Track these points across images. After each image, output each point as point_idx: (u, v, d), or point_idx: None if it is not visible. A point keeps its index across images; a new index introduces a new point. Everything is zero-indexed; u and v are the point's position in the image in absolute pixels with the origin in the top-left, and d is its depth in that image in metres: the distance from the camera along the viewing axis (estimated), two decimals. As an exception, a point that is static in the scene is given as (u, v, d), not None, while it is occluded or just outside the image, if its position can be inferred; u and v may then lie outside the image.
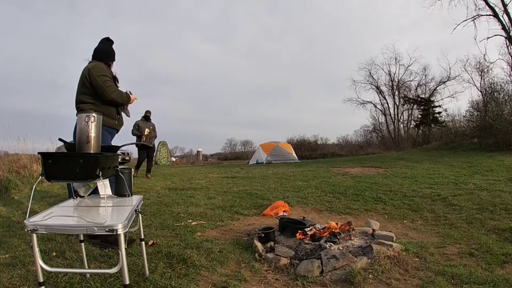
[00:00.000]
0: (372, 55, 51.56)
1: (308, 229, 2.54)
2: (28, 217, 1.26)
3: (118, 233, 1.23)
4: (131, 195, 1.85)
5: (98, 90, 2.56)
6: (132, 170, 1.94)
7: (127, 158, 1.90)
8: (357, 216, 3.60)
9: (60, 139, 1.64)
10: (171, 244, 2.53)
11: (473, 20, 15.42)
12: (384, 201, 4.20)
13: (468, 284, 1.81)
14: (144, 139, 6.97)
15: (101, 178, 1.38)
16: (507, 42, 15.14)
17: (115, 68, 2.88)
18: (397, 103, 26.35)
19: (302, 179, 6.68)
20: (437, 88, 24.44)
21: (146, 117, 7.29)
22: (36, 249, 1.22)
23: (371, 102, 27.32)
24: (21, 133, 6.26)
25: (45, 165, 1.34)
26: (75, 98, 2.67)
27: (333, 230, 2.46)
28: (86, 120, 1.49)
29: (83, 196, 1.77)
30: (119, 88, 2.72)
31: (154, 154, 7.89)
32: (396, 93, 26.48)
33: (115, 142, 2.87)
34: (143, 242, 1.93)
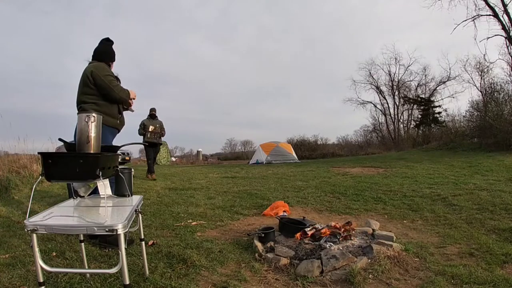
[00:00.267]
0: (372, 55, 51.56)
1: (308, 229, 2.54)
2: (28, 217, 1.26)
3: (118, 233, 1.23)
4: (131, 195, 1.85)
5: (104, 90, 2.58)
6: (133, 170, 1.94)
7: (127, 158, 1.89)
8: (357, 216, 3.60)
9: (60, 139, 1.64)
10: (171, 244, 2.53)
11: (473, 20, 15.42)
12: (384, 201, 4.20)
13: (468, 284, 1.81)
14: (149, 135, 6.80)
15: (101, 178, 1.38)
16: (507, 42, 15.13)
17: (115, 68, 2.88)
18: (397, 103, 26.36)
19: (302, 179, 6.68)
20: (437, 88, 24.45)
21: (152, 115, 7.08)
22: (36, 249, 1.22)
23: (371, 102, 27.34)
24: (21, 133, 6.26)
25: (45, 165, 1.34)
26: (76, 98, 2.67)
27: (333, 230, 2.46)
28: (86, 120, 1.49)
29: (83, 196, 1.77)
30: (126, 89, 2.77)
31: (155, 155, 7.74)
32: (396, 93, 26.48)
33: (116, 142, 2.88)
34: (143, 242, 1.93)
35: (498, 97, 12.14)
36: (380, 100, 27.02)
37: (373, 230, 2.66)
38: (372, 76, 26.77)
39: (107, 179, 1.69)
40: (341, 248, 2.23)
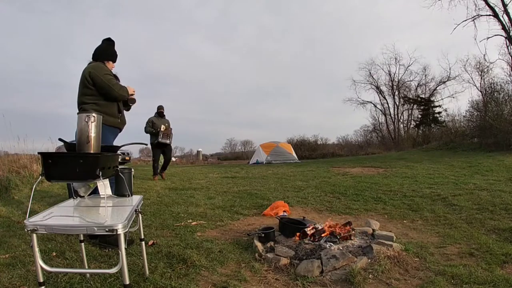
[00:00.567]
0: (372, 55, 51.54)
1: (308, 229, 2.54)
2: (28, 217, 1.26)
3: (118, 233, 1.23)
4: (131, 195, 1.85)
5: (104, 90, 2.59)
6: (133, 170, 1.94)
7: (127, 158, 1.89)
8: (357, 216, 3.60)
9: (60, 139, 1.64)
10: (171, 244, 2.53)
11: (473, 20, 15.41)
12: (384, 201, 4.20)
13: (468, 284, 1.81)
14: (161, 136, 6.49)
15: (101, 178, 1.38)
16: (507, 42, 15.13)
17: (116, 68, 2.88)
18: (397, 103, 26.35)
19: (302, 179, 6.68)
20: (437, 88, 24.44)
21: (160, 113, 6.82)
22: (36, 249, 1.22)
23: (371, 102, 27.33)
24: (21, 133, 6.26)
25: (45, 165, 1.34)
26: (77, 99, 2.68)
27: (333, 230, 2.46)
28: (86, 120, 1.49)
29: (83, 196, 1.77)
30: (124, 86, 2.77)
31: (173, 153, 7.62)
32: (396, 93, 26.47)
33: (117, 142, 2.87)
34: (143, 242, 1.93)
35: (498, 97, 12.14)
36: (380, 100, 27.03)
37: (373, 230, 2.66)
38: (372, 76, 26.78)
39: (107, 179, 1.69)
40: (341, 248, 2.23)
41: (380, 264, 2.04)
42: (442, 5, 24.17)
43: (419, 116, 23.84)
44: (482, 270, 1.97)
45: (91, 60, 2.76)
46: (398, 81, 26.31)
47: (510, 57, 15.75)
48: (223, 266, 2.16)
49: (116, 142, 2.83)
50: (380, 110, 27.17)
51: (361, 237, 2.51)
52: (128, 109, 3.01)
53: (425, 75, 25.28)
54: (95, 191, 1.91)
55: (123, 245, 1.26)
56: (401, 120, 26.36)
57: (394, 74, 26.38)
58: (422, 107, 23.64)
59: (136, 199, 1.80)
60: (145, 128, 6.66)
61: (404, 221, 3.29)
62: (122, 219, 1.28)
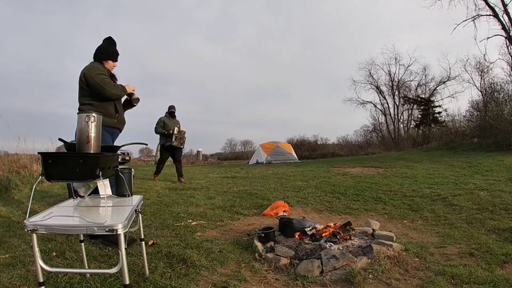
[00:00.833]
0: (372, 55, 51.51)
1: (308, 229, 2.54)
2: (28, 217, 1.26)
3: (118, 233, 1.23)
4: (131, 195, 1.85)
5: (96, 90, 2.56)
6: (133, 170, 1.94)
7: (127, 158, 1.89)
8: (357, 216, 3.60)
9: (60, 139, 1.64)
10: (171, 244, 2.53)
11: (473, 20, 15.41)
12: (384, 201, 4.20)
13: (468, 284, 1.81)
14: (174, 139, 6.09)
15: (101, 178, 1.38)
16: (507, 42, 15.13)
17: (116, 68, 2.87)
18: (397, 103, 26.35)
19: (302, 179, 6.68)
20: (437, 88, 24.45)
21: (171, 113, 6.45)
22: (36, 249, 1.22)
23: (371, 102, 27.33)
24: (21, 133, 6.26)
25: (45, 165, 1.34)
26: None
27: (333, 230, 2.46)
28: (86, 120, 1.49)
29: (83, 196, 1.77)
30: (120, 84, 2.74)
31: (181, 155, 6.91)
32: (396, 93, 26.47)
33: (117, 142, 2.87)
34: (143, 242, 1.93)
35: (498, 97, 12.14)
36: (380, 100, 27.04)
37: (373, 230, 2.66)
38: (372, 76, 26.78)
39: (107, 179, 1.69)
40: (341, 248, 2.23)
41: (380, 264, 2.04)
42: (442, 5, 24.27)
43: (419, 116, 23.84)
44: (482, 270, 1.97)
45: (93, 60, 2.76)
46: (398, 81, 26.33)
47: (510, 57, 15.76)
48: (223, 266, 2.16)
49: (116, 142, 2.82)
50: (380, 110, 27.19)
51: (361, 237, 2.51)
52: (128, 107, 2.99)
53: (425, 75, 25.31)
54: (95, 191, 1.91)
55: (123, 245, 1.26)
56: (401, 120, 26.38)
57: (394, 74, 26.41)
58: (422, 107, 23.64)
59: (136, 199, 1.80)
60: (156, 128, 6.32)
61: (404, 221, 3.29)
62: (122, 219, 1.28)
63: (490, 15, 14.91)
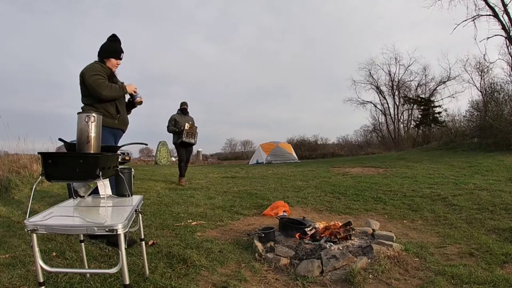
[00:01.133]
0: (372, 55, 51.51)
1: (308, 229, 2.54)
2: (28, 217, 1.26)
3: (118, 233, 1.23)
4: (131, 195, 1.85)
5: (92, 91, 2.52)
6: (133, 170, 1.94)
7: (127, 158, 1.89)
8: (357, 216, 3.60)
9: (60, 139, 1.64)
10: (171, 244, 2.53)
11: (473, 20, 15.42)
12: (384, 201, 4.20)
13: (468, 284, 1.81)
14: (186, 135, 5.88)
15: (101, 178, 1.38)
16: (507, 42, 15.14)
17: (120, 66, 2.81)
18: (397, 103, 26.34)
19: (302, 179, 6.68)
20: (437, 88, 24.44)
21: (183, 109, 6.22)
22: (36, 249, 1.22)
23: (371, 102, 27.31)
24: (21, 133, 6.26)
25: (45, 165, 1.34)
26: None
27: (333, 229, 2.46)
28: (86, 120, 1.49)
29: (83, 196, 1.76)
30: (115, 84, 2.66)
31: (191, 155, 6.60)
32: (396, 93, 26.46)
33: (120, 142, 2.85)
34: (143, 242, 1.93)
35: (498, 97, 12.13)
36: (380, 100, 27.02)
37: (373, 230, 2.66)
38: (372, 76, 26.76)
39: (107, 179, 1.69)
40: (341, 248, 2.23)
41: (380, 264, 2.04)
42: (442, 5, 24.24)
43: (419, 116, 23.83)
44: (482, 270, 1.97)
45: None
46: (398, 81, 26.31)
47: (510, 57, 15.77)
48: (223, 266, 2.16)
49: (117, 143, 2.81)
50: (380, 110, 27.18)
51: (361, 237, 2.51)
52: (131, 107, 2.95)
53: (425, 75, 25.29)
54: (95, 191, 1.91)
55: (123, 245, 1.26)
56: (401, 120, 26.37)
57: (394, 74, 26.40)
58: (422, 107, 23.63)
59: (136, 199, 1.80)
60: (168, 127, 6.11)
61: (404, 221, 3.29)
62: (122, 219, 1.28)
63: (490, 15, 14.91)
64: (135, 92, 2.84)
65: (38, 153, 1.44)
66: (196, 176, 7.75)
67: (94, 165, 1.38)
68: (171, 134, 6.22)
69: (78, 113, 1.52)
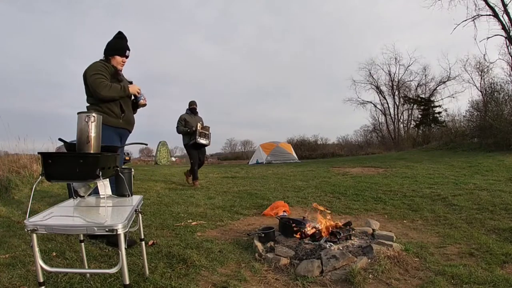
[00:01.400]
0: (372, 55, 51.59)
1: (308, 229, 2.54)
2: (28, 217, 1.26)
3: (118, 233, 1.23)
4: (131, 195, 1.85)
5: (92, 91, 2.49)
6: (133, 170, 1.94)
7: (127, 158, 1.90)
8: (357, 216, 3.60)
9: (60, 139, 1.64)
10: (171, 244, 2.53)
11: (473, 20, 15.44)
12: (384, 201, 4.20)
13: (468, 284, 1.81)
14: (198, 135, 5.58)
15: (101, 178, 1.38)
16: (507, 42, 15.16)
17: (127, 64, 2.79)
18: (397, 103, 26.37)
19: (302, 179, 6.68)
20: (437, 88, 24.48)
21: (192, 109, 5.92)
22: (36, 249, 1.22)
23: (371, 102, 27.35)
24: (21, 133, 6.26)
25: (45, 165, 1.34)
26: None
27: (333, 230, 2.46)
28: (86, 120, 1.49)
29: (83, 196, 1.76)
30: (119, 84, 2.61)
31: (205, 156, 6.37)
32: (396, 93, 26.49)
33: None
34: (143, 242, 1.93)
35: (498, 97, 12.14)
36: (380, 100, 27.06)
37: (373, 230, 2.66)
38: (372, 76, 26.81)
39: (107, 179, 1.69)
40: (341, 248, 2.23)
41: (380, 264, 2.04)
42: (442, 5, 24.32)
43: (419, 116, 23.85)
44: (482, 270, 1.97)
45: None
46: (398, 81, 26.34)
47: (510, 57, 15.79)
48: (223, 266, 2.16)
49: (123, 143, 2.79)
50: (380, 110, 27.21)
51: (361, 237, 2.51)
52: (136, 107, 2.92)
53: (425, 75, 25.33)
54: (95, 191, 1.91)
55: (123, 245, 1.26)
56: (401, 120, 26.40)
57: (394, 74, 26.43)
58: (422, 107, 23.65)
59: (136, 199, 1.80)
60: (177, 127, 5.79)
61: (404, 221, 3.29)
62: (122, 219, 1.28)
63: (490, 15, 14.93)
64: (138, 93, 2.79)
65: (38, 153, 1.44)
66: (196, 176, 7.73)
67: (94, 165, 1.38)
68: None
69: (78, 113, 1.52)
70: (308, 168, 8.97)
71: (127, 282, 1.27)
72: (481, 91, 18.21)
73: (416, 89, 26.03)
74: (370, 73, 26.78)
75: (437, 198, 4.19)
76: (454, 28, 18.88)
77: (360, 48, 46.09)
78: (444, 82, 23.90)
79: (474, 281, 1.82)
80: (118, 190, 1.86)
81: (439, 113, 22.12)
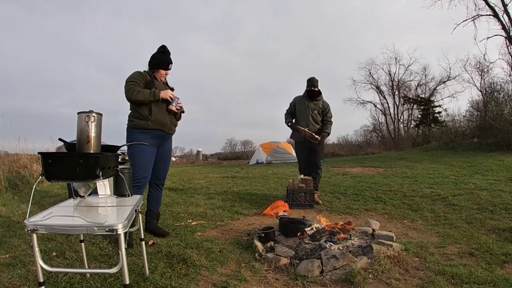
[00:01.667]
0: (372, 55, 51.54)
1: (308, 229, 2.54)
2: (28, 217, 1.26)
3: (118, 233, 1.23)
4: (131, 195, 1.85)
5: (125, 96, 2.68)
6: (131, 170, 1.94)
7: (127, 158, 1.90)
8: (357, 216, 3.60)
9: (60, 139, 1.64)
10: (171, 244, 2.53)
11: (473, 20, 15.44)
12: (384, 201, 4.20)
13: (468, 284, 1.81)
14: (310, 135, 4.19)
15: (101, 178, 1.38)
16: (507, 42, 15.14)
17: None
18: (397, 103, 26.32)
19: (302, 179, 6.67)
20: (437, 88, 24.42)
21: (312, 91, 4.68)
22: (36, 249, 1.22)
23: (371, 102, 27.28)
24: (22, 133, 6.27)
25: (45, 165, 1.34)
26: None
27: (333, 229, 2.46)
28: (86, 120, 1.49)
29: (83, 196, 1.76)
30: (147, 89, 2.68)
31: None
32: (396, 93, 26.44)
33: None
34: (143, 242, 1.93)
35: (498, 97, 12.14)
36: (380, 100, 26.99)
37: (373, 230, 2.66)
38: (372, 76, 26.73)
39: (107, 179, 1.69)
40: (341, 248, 2.23)
41: (380, 264, 2.04)
42: (442, 5, 24.35)
43: (419, 116, 23.82)
44: (482, 270, 1.97)
45: None
46: (398, 81, 26.29)
47: (510, 57, 15.76)
48: (223, 266, 2.16)
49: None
50: (380, 110, 27.15)
51: (361, 237, 2.51)
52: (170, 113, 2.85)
53: (425, 75, 25.27)
54: (95, 191, 1.91)
55: (123, 245, 1.26)
56: (401, 120, 26.35)
57: (394, 74, 26.37)
58: (422, 107, 23.62)
59: (136, 199, 1.80)
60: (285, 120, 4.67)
61: (404, 221, 3.29)
62: (122, 219, 1.28)
63: (490, 15, 14.93)
64: (171, 99, 2.78)
65: (38, 153, 1.44)
66: (196, 176, 7.75)
67: (94, 165, 1.38)
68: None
69: (78, 113, 1.52)
70: (308, 168, 8.96)
71: (127, 282, 1.27)
72: (481, 91, 18.18)
73: (416, 89, 26.00)
74: (370, 73, 26.74)
75: (437, 198, 4.19)
76: (454, 28, 18.90)
77: (360, 48, 46.08)
78: (444, 82, 23.87)
79: (474, 281, 1.82)
80: (118, 190, 1.86)
81: (439, 113, 22.11)
